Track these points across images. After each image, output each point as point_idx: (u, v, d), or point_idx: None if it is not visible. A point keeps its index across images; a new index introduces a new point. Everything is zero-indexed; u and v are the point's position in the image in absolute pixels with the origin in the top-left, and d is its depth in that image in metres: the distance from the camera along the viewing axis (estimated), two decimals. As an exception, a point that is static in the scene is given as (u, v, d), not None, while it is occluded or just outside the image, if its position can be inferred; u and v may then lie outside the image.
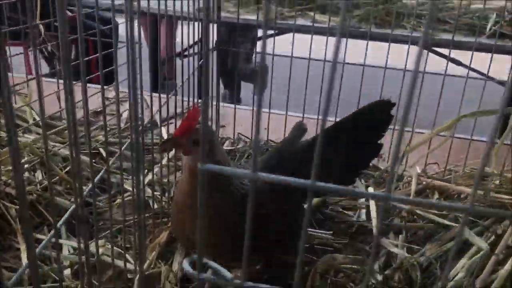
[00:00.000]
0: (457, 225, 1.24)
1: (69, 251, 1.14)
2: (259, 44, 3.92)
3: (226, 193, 0.94)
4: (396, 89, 1.35)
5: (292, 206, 1.07)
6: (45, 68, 3.18)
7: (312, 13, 3.17)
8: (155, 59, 3.17)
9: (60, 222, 0.94)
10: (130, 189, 1.32)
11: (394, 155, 0.37)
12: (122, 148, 1.15)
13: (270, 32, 2.78)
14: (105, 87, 0.83)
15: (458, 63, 2.62)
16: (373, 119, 1.22)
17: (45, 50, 3.14)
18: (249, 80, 3.90)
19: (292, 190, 0.90)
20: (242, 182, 0.98)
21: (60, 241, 1.14)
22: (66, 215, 0.93)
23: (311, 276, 1.11)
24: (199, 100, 1.43)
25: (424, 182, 1.48)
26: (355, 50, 1.70)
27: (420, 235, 1.30)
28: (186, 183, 0.95)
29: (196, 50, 1.62)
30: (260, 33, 3.89)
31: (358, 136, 1.19)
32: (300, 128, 1.29)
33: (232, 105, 1.82)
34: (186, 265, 0.46)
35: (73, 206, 0.89)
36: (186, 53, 2.77)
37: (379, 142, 1.23)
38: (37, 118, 1.65)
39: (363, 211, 1.40)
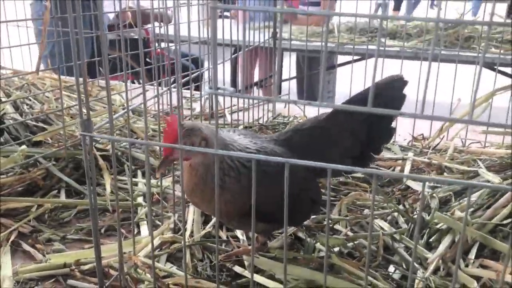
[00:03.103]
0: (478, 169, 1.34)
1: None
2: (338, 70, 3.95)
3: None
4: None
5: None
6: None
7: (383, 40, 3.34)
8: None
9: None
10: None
11: None
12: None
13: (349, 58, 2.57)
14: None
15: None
16: (385, 96, 1.07)
17: (136, 81, 3.73)
18: None
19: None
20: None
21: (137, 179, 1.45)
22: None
23: (338, 205, 1.28)
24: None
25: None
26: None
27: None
28: (189, 175, 1.00)
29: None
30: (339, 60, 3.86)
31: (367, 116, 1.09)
32: None
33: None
34: (207, 89, 0.66)
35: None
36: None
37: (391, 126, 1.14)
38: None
39: (398, 168, 1.53)
